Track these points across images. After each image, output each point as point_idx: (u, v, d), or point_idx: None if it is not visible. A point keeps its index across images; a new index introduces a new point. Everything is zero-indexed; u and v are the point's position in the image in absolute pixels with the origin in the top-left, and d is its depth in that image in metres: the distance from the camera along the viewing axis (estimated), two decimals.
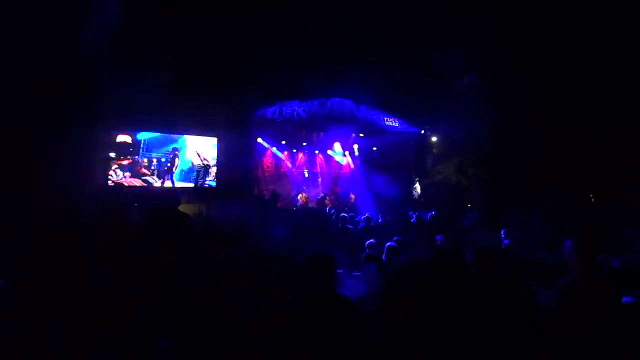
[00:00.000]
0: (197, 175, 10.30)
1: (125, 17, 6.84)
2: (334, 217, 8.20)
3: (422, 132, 13.87)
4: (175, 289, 1.89)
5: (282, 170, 13.76)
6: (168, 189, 9.66)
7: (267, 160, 13.37)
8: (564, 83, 9.90)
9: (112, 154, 9.13)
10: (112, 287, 1.60)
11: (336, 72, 10.47)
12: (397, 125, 13.31)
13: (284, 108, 11.40)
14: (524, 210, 7.00)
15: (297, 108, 11.63)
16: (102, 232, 2.09)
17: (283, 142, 13.38)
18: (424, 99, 12.16)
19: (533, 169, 10.12)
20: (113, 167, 9.07)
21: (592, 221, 5.54)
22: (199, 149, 10.38)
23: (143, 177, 9.53)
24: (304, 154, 14.19)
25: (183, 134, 10.16)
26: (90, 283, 1.51)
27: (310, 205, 12.32)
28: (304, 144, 14.06)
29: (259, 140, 12.39)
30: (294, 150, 13.91)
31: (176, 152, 10.06)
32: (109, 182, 8.98)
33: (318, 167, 14.54)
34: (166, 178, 9.85)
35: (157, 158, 9.79)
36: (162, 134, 9.91)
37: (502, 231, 5.13)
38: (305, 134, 13.82)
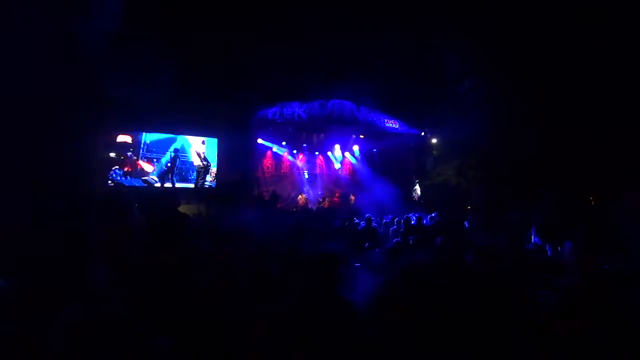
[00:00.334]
0: (198, 176, 10.31)
1: (126, 18, 6.86)
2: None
3: (422, 134, 13.87)
4: (175, 289, 1.89)
5: (282, 171, 13.76)
6: (168, 189, 9.67)
7: (267, 161, 13.37)
8: (564, 84, 9.91)
9: (113, 154, 9.14)
10: (112, 287, 1.60)
11: (337, 73, 10.48)
12: (397, 127, 13.32)
13: (285, 109, 11.41)
14: (523, 211, 6.99)
15: (297, 109, 11.63)
16: (102, 232, 2.10)
17: (283, 143, 13.38)
18: (424, 101, 12.16)
19: (533, 170, 10.12)
20: (113, 168, 9.09)
21: (592, 222, 5.54)
22: (200, 150, 10.39)
23: (143, 178, 9.54)
24: (304, 155, 14.19)
25: (184, 135, 10.18)
26: (90, 282, 1.52)
27: (309, 206, 12.32)
28: (304, 145, 14.07)
29: (260, 140, 12.40)
30: (294, 152, 13.91)
31: (177, 153, 10.07)
32: (110, 182, 8.99)
33: (318, 168, 14.54)
34: (166, 178, 9.85)
35: (157, 158, 9.80)
36: (162, 135, 9.93)
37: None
38: (305, 135, 13.82)
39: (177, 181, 9.99)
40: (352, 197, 13.30)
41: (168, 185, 9.81)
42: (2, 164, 5.84)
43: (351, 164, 14.95)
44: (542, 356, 1.67)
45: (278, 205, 10.36)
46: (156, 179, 9.69)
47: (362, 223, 7.08)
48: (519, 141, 10.40)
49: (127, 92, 7.50)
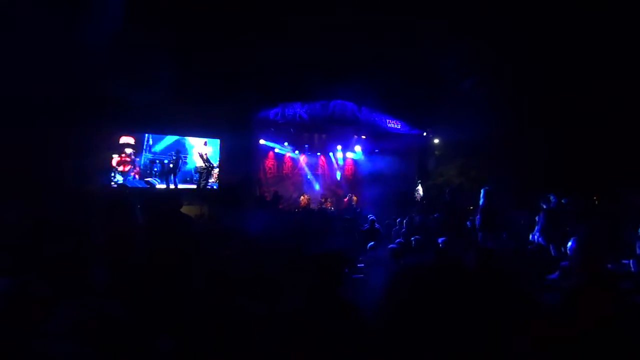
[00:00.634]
0: (200, 177, 10.33)
1: (128, 19, 6.89)
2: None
3: (424, 134, 13.85)
4: (177, 290, 1.89)
5: (284, 172, 13.77)
6: (170, 190, 9.69)
7: (269, 162, 13.38)
8: (566, 83, 9.87)
9: (116, 156, 9.18)
10: (113, 288, 1.61)
11: (338, 74, 10.48)
12: (399, 127, 13.30)
13: (286, 110, 11.42)
14: (526, 212, 6.97)
15: (299, 110, 11.64)
16: (105, 233, 2.10)
17: (285, 144, 13.39)
18: (426, 101, 12.14)
19: (535, 170, 10.09)
20: (117, 169, 9.12)
21: (595, 222, 5.51)
22: (202, 151, 10.42)
23: (146, 179, 9.57)
24: (305, 156, 14.19)
25: (186, 136, 10.20)
26: (92, 283, 1.52)
27: (311, 206, 12.32)
28: (306, 145, 14.07)
29: (262, 141, 12.41)
30: (296, 152, 13.92)
31: (179, 154, 10.10)
32: (112, 183, 9.02)
33: (320, 169, 14.53)
34: (169, 179, 9.88)
35: (160, 159, 9.83)
36: (165, 136, 9.96)
37: (536, 229, 5.09)
38: (307, 135, 13.82)
39: (180, 182, 10.02)
40: (354, 198, 13.29)
41: (171, 186, 9.84)
42: (4, 164, 5.87)
43: (353, 164, 14.94)
44: (545, 357, 1.66)
45: (280, 206, 10.37)
46: (159, 180, 9.72)
47: (366, 225, 7.08)
48: (521, 141, 10.37)
49: (130, 94, 7.53)
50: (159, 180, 9.73)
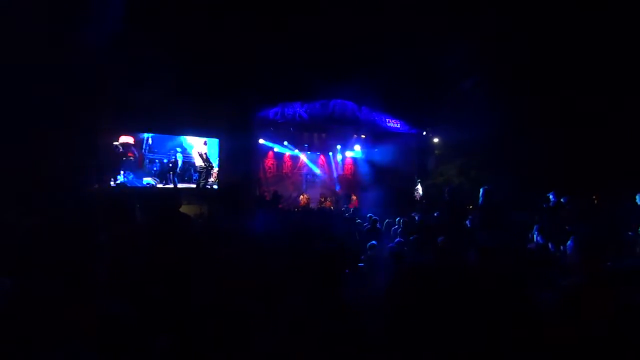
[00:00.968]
0: (199, 177, 10.32)
1: (127, 18, 6.87)
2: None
3: (424, 133, 13.85)
4: (176, 289, 1.89)
5: (284, 171, 13.76)
6: (170, 190, 9.69)
7: (269, 162, 13.37)
8: (566, 82, 9.88)
9: (115, 155, 9.17)
10: (114, 287, 1.61)
11: (338, 73, 10.47)
12: (399, 126, 13.30)
13: (286, 109, 11.41)
14: (526, 211, 6.98)
15: (299, 109, 11.63)
16: (105, 233, 2.10)
17: (285, 143, 13.39)
18: (426, 101, 12.14)
19: (535, 170, 10.09)
20: (115, 168, 9.12)
21: (595, 222, 5.52)
22: (201, 151, 10.41)
23: (145, 178, 9.57)
24: (305, 155, 14.19)
25: (185, 135, 10.20)
26: (93, 282, 1.52)
27: (311, 206, 12.33)
28: (306, 145, 14.06)
29: (261, 140, 12.41)
30: (296, 151, 13.91)
31: (178, 154, 10.10)
32: (112, 183, 9.02)
33: (319, 168, 14.53)
34: (168, 179, 9.87)
35: (159, 159, 9.83)
36: (164, 135, 9.95)
37: (535, 228, 5.09)
38: (307, 135, 13.81)
39: (179, 182, 10.01)
40: (354, 197, 13.29)
41: (170, 185, 9.83)
42: (4, 164, 5.86)
43: (353, 164, 14.94)
44: (544, 357, 1.66)
45: (279, 206, 10.37)
46: (158, 179, 9.71)
47: (367, 224, 7.07)
48: (521, 141, 10.38)
49: (129, 93, 7.52)
50: (158, 180, 9.72)
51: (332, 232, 6.29)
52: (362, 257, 4.69)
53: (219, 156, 10.55)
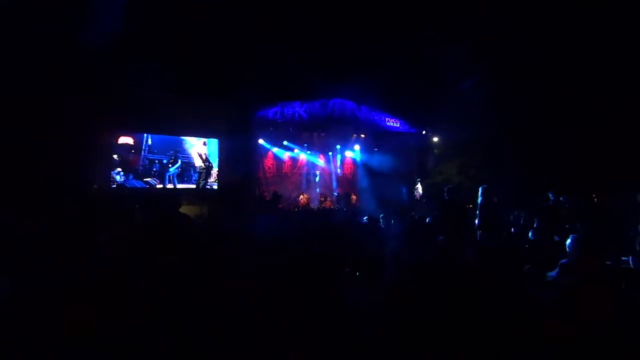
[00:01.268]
0: (199, 177, 10.33)
1: (126, 18, 6.87)
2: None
3: (424, 132, 13.85)
4: (176, 289, 1.89)
5: (284, 171, 13.75)
6: (170, 190, 9.69)
7: (269, 162, 13.36)
8: (566, 82, 9.88)
9: (115, 156, 9.17)
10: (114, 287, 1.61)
11: (338, 73, 10.47)
12: (398, 126, 13.31)
13: (285, 109, 11.42)
14: (525, 210, 6.98)
15: (298, 109, 11.64)
16: (105, 233, 2.10)
17: (285, 143, 13.38)
18: (426, 100, 12.14)
19: (534, 169, 10.10)
20: (115, 169, 9.12)
21: (594, 221, 5.52)
22: (201, 151, 10.41)
23: (145, 179, 9.56)
24: (305, 155, 14.17)
25: (185, 136, 10.20)
26: (93, 282, 1.52)
27: (311, 206, 12.32)
28: (305, 145, 14.05)
29: (260, 141, 12.40)
30: (295, 151, 13.90)
31: (178, 154, 10.10)
32: (112, 184, 9.02)
33: (319, 168, 14.51)
34: (168, 180, 9.87)
35: (159, 159, 9.83)
36: (164, 136, 9.95)
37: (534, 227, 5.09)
38: (306, 134, 13.80)
39: (179, 182, 10.01)
40: (354, 197, 13.29)
41: (170, 186, 9.83)
42: (3, 164, 5.86)
43: (352, 163, 14.93)
44: (543, 356, 1.66)
45: (279, 206, 10.37)
46: (158, 180, 9.71)
47: (366, 223, 7.07)
48: (521, 140, 10.39)
49: (128, 93, 7.52)
50: (157, 180, 9.72)
51: (331, 232, 6.29)
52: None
53: (219, 156, 10.55)
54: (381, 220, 7.12)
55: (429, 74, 11.00)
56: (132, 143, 9.45)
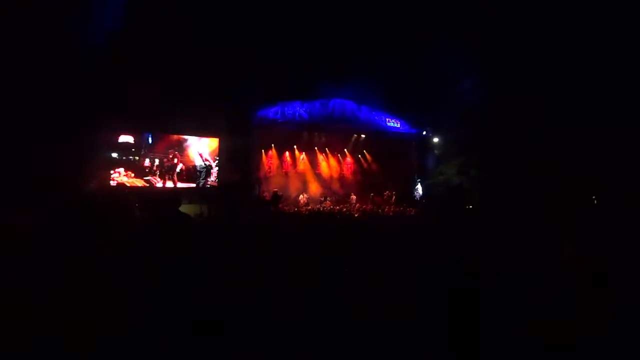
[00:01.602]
0: (199, 176, 10.33)
1: (126, 19, 6.87)
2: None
3: (424, 133, 13.86)
4: (176, 289, 1.89)
5: (284, 171, 13.75)
6: (170, 189, 9.69)
7: (269, 162, 13.36)
8: (566, 82, 9.87)
9: (115, 155, 9.18)
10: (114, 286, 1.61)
11: (338, 73, 10.47)
12: (398, 126, 13.31)
13: (286, 109, 11.43)
14: (525, 210, 6.98)
15: (298, 109, 11.65)
16: (105, 232, 2.11)
17: (285, 143, 13.38)
18: (426, 100, 12.14)
19: (534, 169, 10.09)
20: (116, 168, 9.13)
21: (593, 222, 5.52)
22: (201, 150, 10.42)
23: (145, 178, 9.57)
24: (305, 155, 14.17)
25: (185, 135, 10.21)
26: (93, 281, 1.52)
27: (311, 206, 12.32)
28: (306, 144, 14.05)
29: (261, 140, 12.39)
30: (296, 151, 13.90)
31: (178, 153, 10.10)
32: (112, 182, 9.02)
33: (319, 168, 14.51)
34: (168, 178, 9.88)
35: (159, 159, 9.83)
36: (164, 135, 9.96)
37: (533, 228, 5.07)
38: (306, 134, 13.80)
39: (179, 181, 10.02)
40: (354, 197, 13.30)
41: (170, 185, 9.84)
42: (3, 164, 5.86)
43: (353, 163, 14.93)
44: (543, 357, 1.66)
45: (279, 206, 10.36)
46: (158, 179, 9.72)
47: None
48: (520, 140, 10.37)
49: (129, 93, 7.52)
50: (158, 179, 9.73)
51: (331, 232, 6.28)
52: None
53: (219, 156, 10.55)
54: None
55: (429, 74, 11.00)
56: (133, 142, 9.46)
